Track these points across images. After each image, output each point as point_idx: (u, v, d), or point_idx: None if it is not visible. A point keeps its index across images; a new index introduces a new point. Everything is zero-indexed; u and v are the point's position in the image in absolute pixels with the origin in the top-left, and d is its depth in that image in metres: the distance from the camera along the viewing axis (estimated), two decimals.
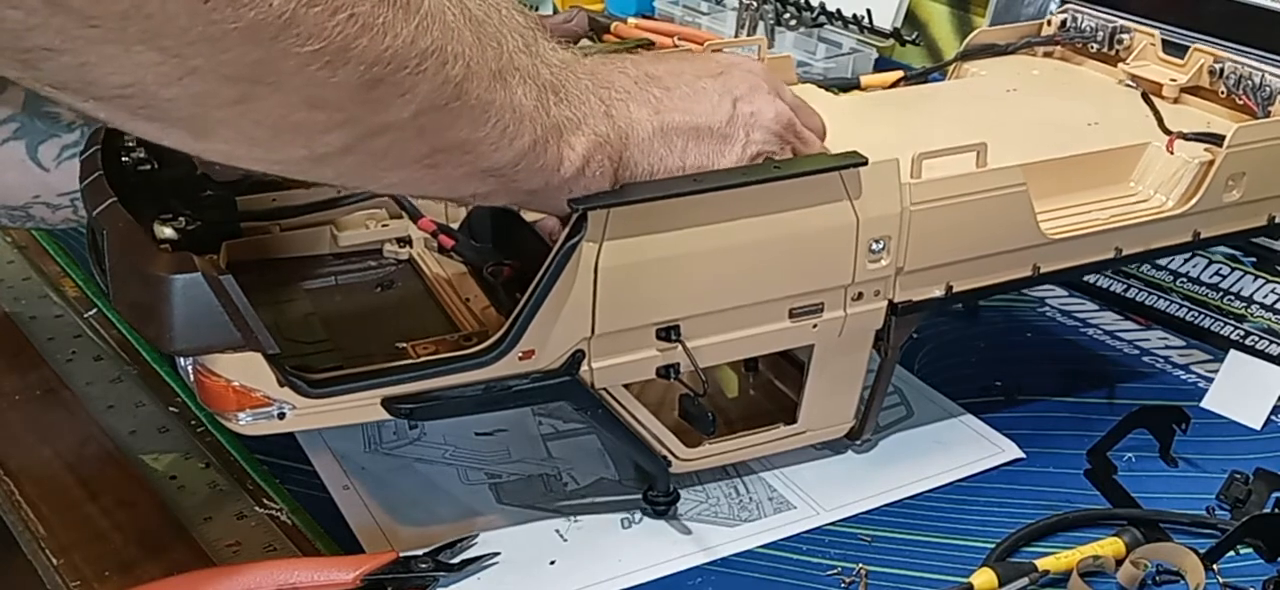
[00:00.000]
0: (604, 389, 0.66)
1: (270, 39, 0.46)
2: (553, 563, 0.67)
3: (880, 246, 0.69)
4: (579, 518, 0.70)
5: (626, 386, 0.67)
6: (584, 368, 0.64)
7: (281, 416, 0.59)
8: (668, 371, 0.66)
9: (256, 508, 0.71)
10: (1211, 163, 0.77)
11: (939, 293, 0.72)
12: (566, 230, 0.61)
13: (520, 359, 0.62)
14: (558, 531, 0.69)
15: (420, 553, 0.66)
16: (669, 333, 0.65)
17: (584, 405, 0.66)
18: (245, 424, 0.59)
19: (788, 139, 0.68)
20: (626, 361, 0.65)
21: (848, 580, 0.67)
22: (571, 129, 0.60)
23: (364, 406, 0.60)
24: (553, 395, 0.65)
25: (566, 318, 0.62)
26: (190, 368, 0.59)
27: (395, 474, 0.73)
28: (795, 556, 0.69)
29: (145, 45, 0.44)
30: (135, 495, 0.72)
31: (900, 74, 0.95)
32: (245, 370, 0.58)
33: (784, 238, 0.66)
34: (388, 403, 0.61)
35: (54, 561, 0.66)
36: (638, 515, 0.71)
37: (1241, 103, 0.85)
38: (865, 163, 0.66)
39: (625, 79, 0.64)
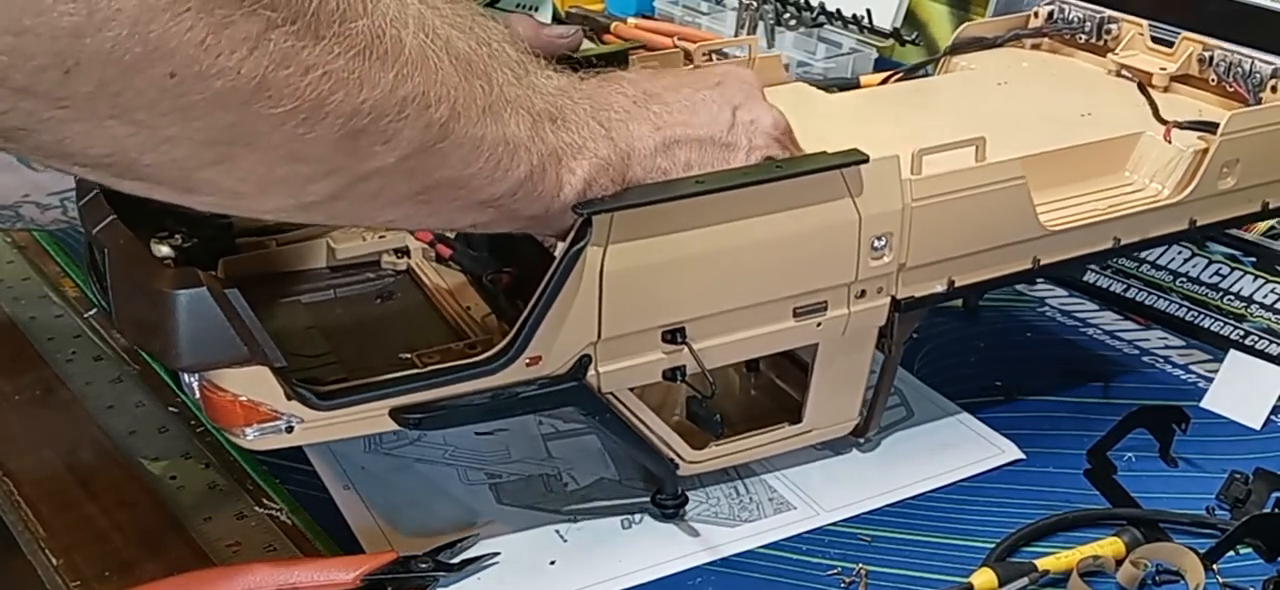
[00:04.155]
0: (611, 393, 0.66)
1: (241, 104, 0.46)
2: (553, 563, 0.67)
3: (882, 243, 0.69)
4: (579, 518, 0.70)
5: (631, 389, 0.67)
6: (591, 372, 0.64)
7: (289, 430, 0.59)
8: (674, 374, 0.66)
9: (256, 508, 0.71)
10: (1206, 151, 0.77)
11: (941, 288, 0.72)
12: (571, 236, 0.61)
13: (527, 365, 0.62)
14: (558, 532, 0.69)
15: (420, 553, 0.66)
16: (675, 335, 0.65)
17: (591, 410, 0.66)
18: (253, 439, 0.58)
19: (786, 145, 0.68)
20: (633, 365, 0.65)
21: (848, 580, 0.67)
22: (571, 154, 0.60)
23: (372, 417, 0.60)
24: (560, 401, 0.64)
25: (572, 323, 0.62)
26: (196, 384, 0.59)
27: (395, 474, 0.73)
28: (795, 556, 0.69)
29: (117, 120, 0.45)
30: (135, 495, 0.71)
31: (891, 73, 0.95)
32: (252, 384, 0.57)
33: (787, 237, 0.66)
34: (396, 413, 0.60)
35: (54, 561, 0.66)
36: (638, 515, 0.71)
37: (1232, 90, 0.85)
38: (867, 160, 0.66)
39: (624, 99, 0.64)
